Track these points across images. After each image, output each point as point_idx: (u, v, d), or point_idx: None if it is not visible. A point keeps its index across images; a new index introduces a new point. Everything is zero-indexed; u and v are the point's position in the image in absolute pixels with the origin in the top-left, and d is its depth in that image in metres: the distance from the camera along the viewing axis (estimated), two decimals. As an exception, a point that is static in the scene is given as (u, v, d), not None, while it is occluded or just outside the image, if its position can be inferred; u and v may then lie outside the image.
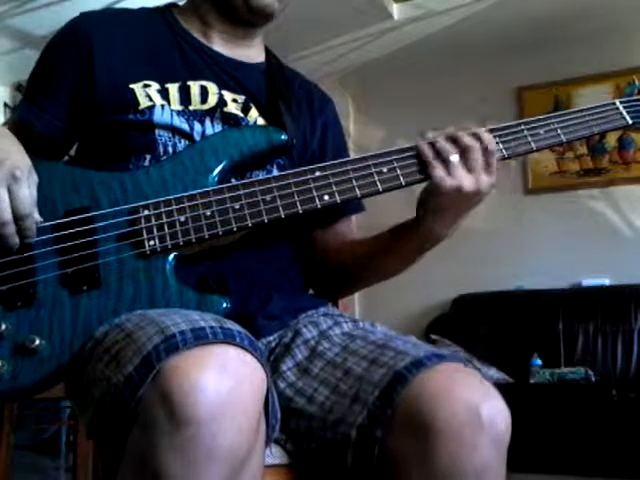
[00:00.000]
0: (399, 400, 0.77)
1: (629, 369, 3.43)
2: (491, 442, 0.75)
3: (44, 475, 3.42)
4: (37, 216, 0.86)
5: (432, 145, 0.94)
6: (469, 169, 0.92)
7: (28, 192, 0.84)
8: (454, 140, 0.93)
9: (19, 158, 0.86)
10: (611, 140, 3.91)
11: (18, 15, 3.35)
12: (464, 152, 0.92)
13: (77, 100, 1.00)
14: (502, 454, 0.77)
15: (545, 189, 3.99)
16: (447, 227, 0.97)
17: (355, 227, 1.18)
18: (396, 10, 3.76)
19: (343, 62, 4.20)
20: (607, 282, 3.74)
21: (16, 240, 0.83)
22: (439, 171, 0.92)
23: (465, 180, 0.92)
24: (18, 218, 0.83)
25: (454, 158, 0.92)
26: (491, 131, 0.97)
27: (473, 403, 0.75)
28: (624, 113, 1.05)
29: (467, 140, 0.93)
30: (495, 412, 0.76)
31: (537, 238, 3.91)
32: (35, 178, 0.87)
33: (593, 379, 3.12)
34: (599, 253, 3.77)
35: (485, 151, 0.93)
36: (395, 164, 0.94)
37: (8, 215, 0.82)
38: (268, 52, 1.15)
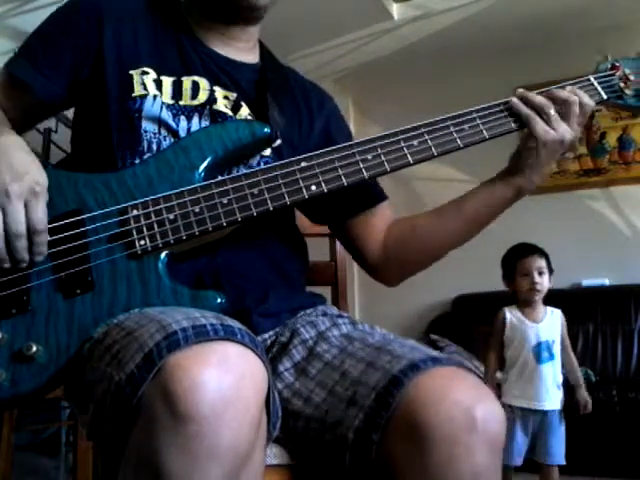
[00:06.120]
0: (395, 404, 0.77)
1: (629, 369, 3.43)
2: (485, 444, 0.74)
3: (44, 475, 3.42)
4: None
5: (526, 103, 1.00)
6: (566, 120, 0.99)
7: (44, 208, 0.84)
8: (549, 96, 1.00)
9: (38, 174, 0.86)
10: (611, 140, 3.91)
11: (18, 15, 3.35)
12: (562, 105, 0.99)
13: (80, 71, 0.99)
14: (497, 456, 0.76)
15: (545, 189, 3.99)
16: (536, 181, 1.02)
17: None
18: (396, 10, 3.76)
19: (343, 62, 4.20)
20: (607, 282, 3.74)
21: (26, 256, 0.83)
22: (542, 125, 0.98)
23: (566, 131, 0.98)
24: (32, 233, 0.83)
25: (553, 112, 0.99)
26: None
27: (467, 406, 0.75)
28: (599, 89, 1.06)
29: (564, 94, 1.00)
30: (489, 414, 0.76)
31: (537, 238, 3.90)
32: (47, 195, 0.87)
33: (593, 379, 3.11)
34: (599, 253, 3.77)
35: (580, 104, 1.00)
36: (379, 151, 0.95)
37: (23, 229, 0.82)
38: (264, 53, 1.15)
